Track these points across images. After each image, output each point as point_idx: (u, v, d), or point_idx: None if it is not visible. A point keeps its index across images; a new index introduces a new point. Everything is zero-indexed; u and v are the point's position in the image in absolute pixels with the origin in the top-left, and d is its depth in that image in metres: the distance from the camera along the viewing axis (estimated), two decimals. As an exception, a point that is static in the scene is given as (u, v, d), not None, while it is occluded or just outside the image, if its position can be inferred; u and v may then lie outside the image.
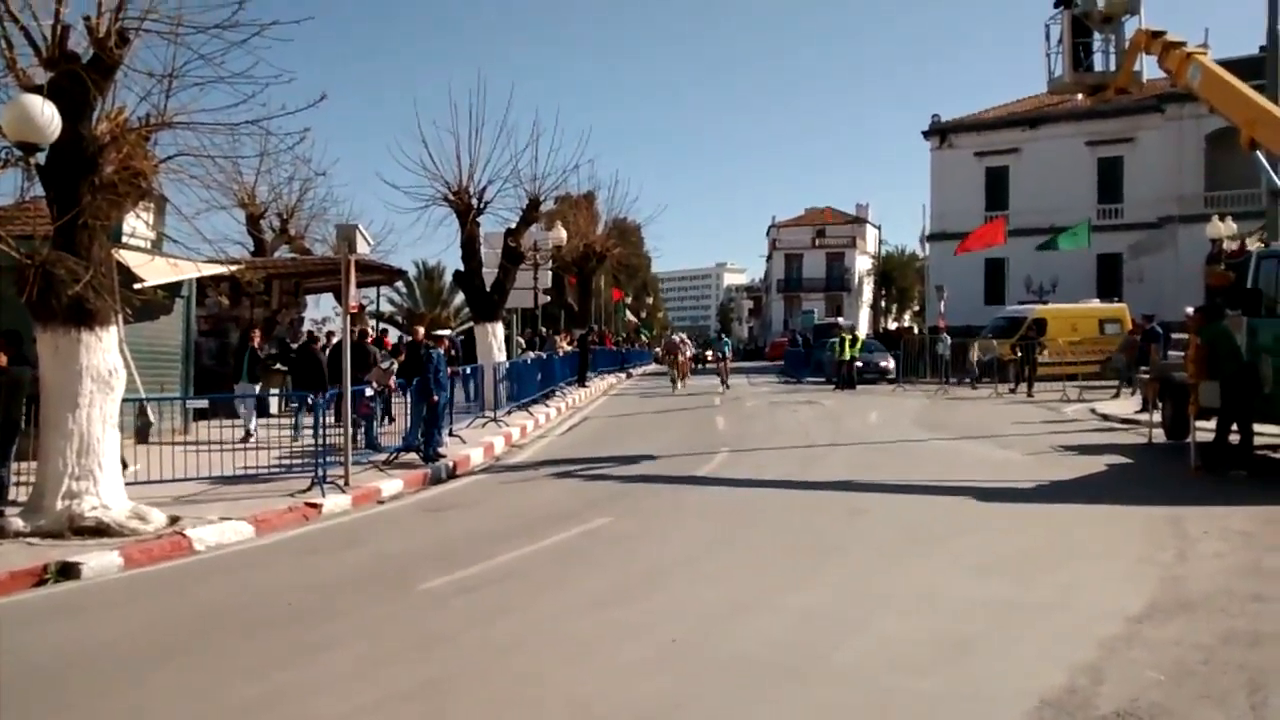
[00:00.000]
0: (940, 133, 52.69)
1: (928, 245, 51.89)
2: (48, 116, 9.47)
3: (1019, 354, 30.90)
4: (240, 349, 19.68)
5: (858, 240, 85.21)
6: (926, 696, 5.57)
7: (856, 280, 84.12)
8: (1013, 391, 29.95)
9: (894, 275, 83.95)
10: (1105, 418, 22.06)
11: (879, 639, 6.72)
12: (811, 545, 9.95)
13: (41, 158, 10.17)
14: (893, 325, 74.15)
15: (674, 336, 40.53)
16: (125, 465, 15.04)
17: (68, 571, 9.06)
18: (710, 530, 10.99)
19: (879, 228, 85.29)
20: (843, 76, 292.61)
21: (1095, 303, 38.16)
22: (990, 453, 16.72)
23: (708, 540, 10.47)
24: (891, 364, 36.69)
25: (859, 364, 34.42)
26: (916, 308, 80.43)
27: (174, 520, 10.82)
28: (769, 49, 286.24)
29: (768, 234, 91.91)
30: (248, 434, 17.24)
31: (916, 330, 53.51)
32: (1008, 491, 12.81)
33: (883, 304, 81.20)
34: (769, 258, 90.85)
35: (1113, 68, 19.70)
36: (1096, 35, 19.89)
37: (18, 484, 11.63)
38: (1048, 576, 8.46)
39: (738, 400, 29.88)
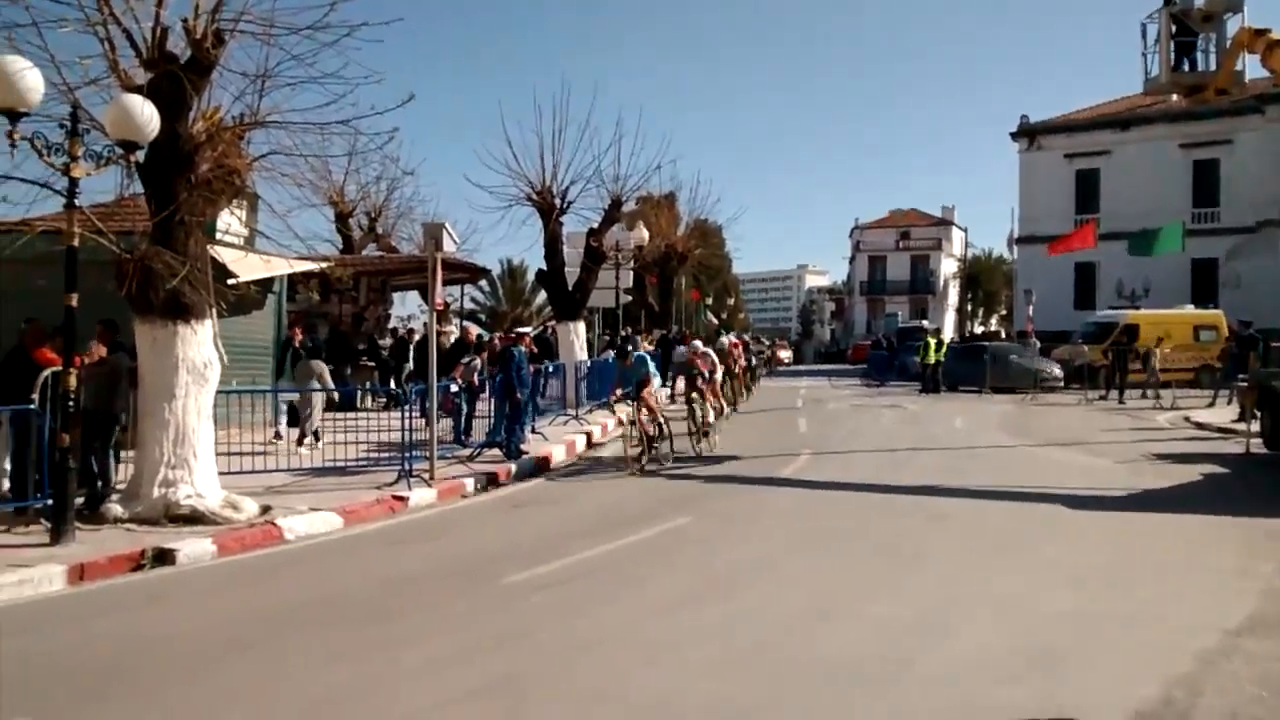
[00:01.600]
0: (1029, 134, 51.64)
1: (1015, 248, 50.86)
2: (147, 116, 9.72)
3: (1110, 359, 30.17)
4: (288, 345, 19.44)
5: (943, 243, 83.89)
6: (1015, 706, 5.41)
7: (942, 283, 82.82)
8: (1103, 398, 29.26)
9: (981, 279, 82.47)
10: (1200, 426, 21.45)
11: (964, 647, 6.60)
12: (895, 550, 9.82)
13: (141, 156, 10.44)
14: (979, 329, 72.82)
15: (692, 344, 22.27)
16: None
17: (163, 557, 9.33)
18: (792, 532, 10.91)
19: (965, 230, 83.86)
20: (928, 77, 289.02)
21: (1190, 308, 37.10)
22: (1080, 460, 16.35)
23: (789, 543, 10.40)
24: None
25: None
26: (1004, 312, 78.88)
27: (265, 510, 11.06)
28: (853, 50, 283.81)
29: (850, 236, 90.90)
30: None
31: (1004, 335, 52.47)
32: (1098, 499, 12.51)
33: (969, 308, 79.81)
34: (852, 260, 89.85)
35: (1212, 67, 19.14)
36: (1196, 34, 19.34)
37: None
38: (1140, 587, 8.25)
39: (820, 403, 29.64)
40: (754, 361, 33.39)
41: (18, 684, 6.19)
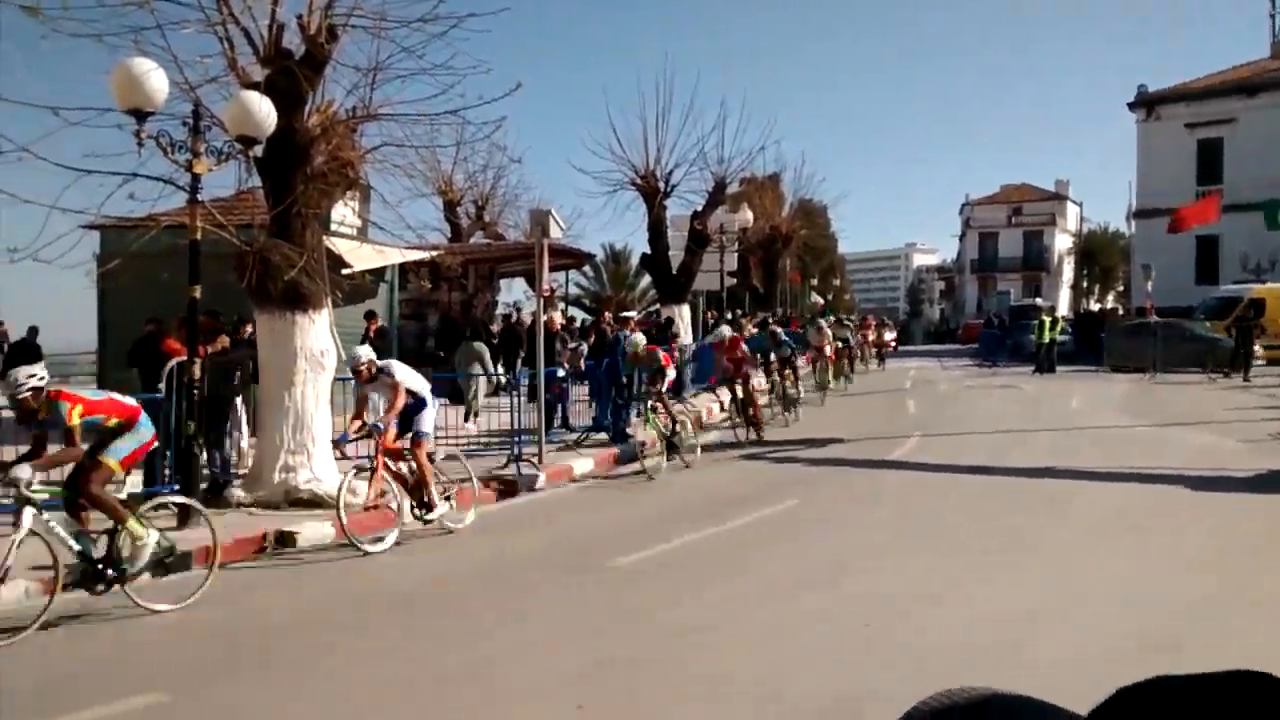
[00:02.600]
0: (1147, 104, 49.78)
1: (1133, 222, 49.16)
2: (265, 112, 10.02)
3: (1234, 336, 29.01)
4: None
5: (1057, 218, 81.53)
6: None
7: (1056, 260, 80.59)
8: (1226, 376, 28.18)
9: (1096, 254, 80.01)
10: (1332, 405, 20.53)
11: (1078, 633, 6.45)
12: (1007, 534, 9.63)
13: (259, 151, 10.77)
14: (1095, 306, 70.71)
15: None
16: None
17: (285, 540, 9.66)
18: (901, 516, 10.79)
19: (1080, 205, 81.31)
20: (1040, 49, 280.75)
21: (1321, 281, 35.44)
22: (1202, 440, 15.79)
23: (898, 526, 10.29)
24: None
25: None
26: (1121, 288, 76.38)
27: (381, 494, 11.33)
28: (961, 23, 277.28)
29: (960, 212, 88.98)
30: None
31: (1121, 311, 50.88)
32: (1222, 480, 12.08)
33: (1084, 284, 77.52)
34: (962, 237, 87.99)
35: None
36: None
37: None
38: (1268, 574, 7.95)
39: (930, 384, 29.16)
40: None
41: (153, 662, 6.50)
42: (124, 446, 7.76)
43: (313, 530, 9.93)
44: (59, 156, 9.78)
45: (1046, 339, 32.10)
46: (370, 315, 17.71)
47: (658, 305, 29.41)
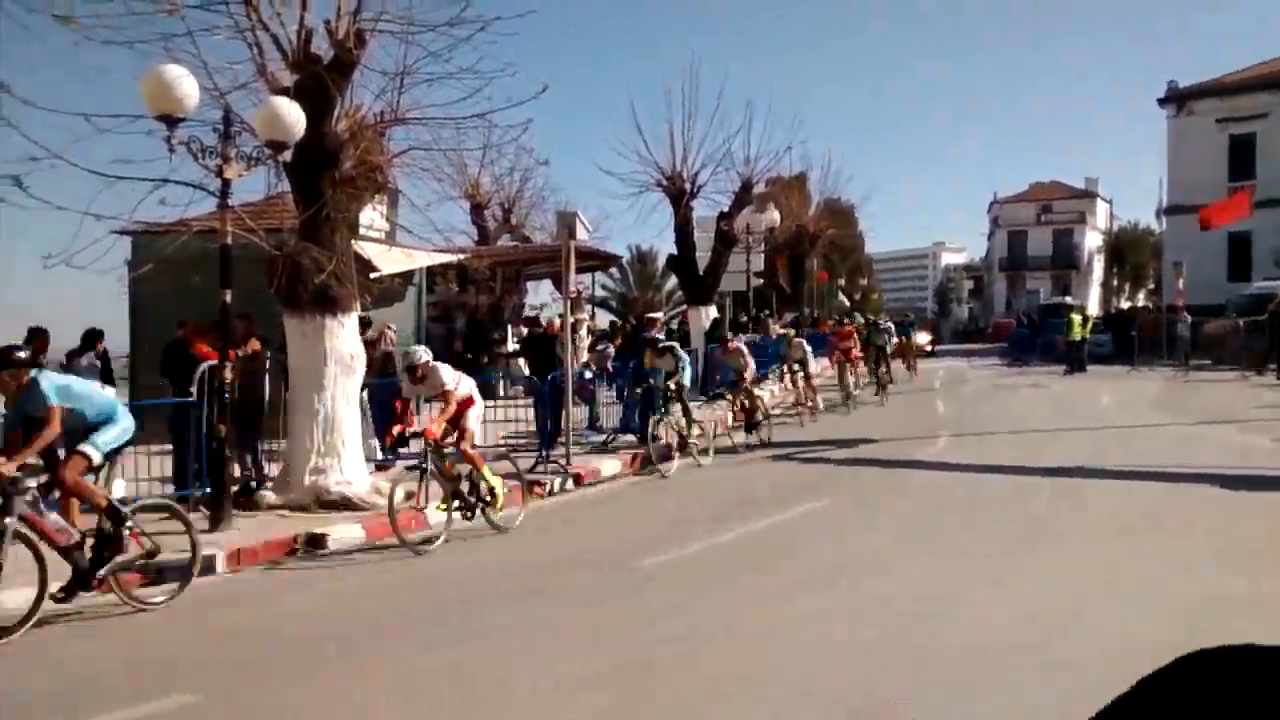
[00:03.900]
0: (1178, 100, 49.28)
1: (1164, 219, 48.67)
2: (294, 117, 10.09)
3: (1268, 333, 28.69)
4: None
5: (1087, 216, 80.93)
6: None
7: (1086, 258, 79.95)
8: (1259, 374, 27.88)
9: (1127, 252, 79.34)
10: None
11: (1105, 630, 6.38)
12: (1036, 533, 9.57)
13: (288, 156, 10.84)
14: (1125, 304, 70.08)
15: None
16: None
17: (315, 542, 9.72)
18: (931, 515, 10.74)
19: (1110, 202, 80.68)
20: (1068, 44, 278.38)
21: (1355, 278, 34.95)
22: (1235, 438, 15.64)
23: (929, 525, 10.24)
24: None
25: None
26: (1151, 286, 75.68)
27: (410, 495, 11.38)
28: (987, 18, 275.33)
29: (989, 211, 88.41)
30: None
31: (1152, 309, 50.39)
32: (1253, 479, 11.93)
33: (1114, 282, 76.87)
34: (990, 235, 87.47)
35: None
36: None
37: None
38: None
39: (959, 383, 29.00)
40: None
41: (183, 661, 6.56)
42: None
43: (344, 532, 9.98)
44: (91, 163, 9.90)
45: (1077, 337, 31.82)
46: (365, 323, 16.64)
47: (684, 307, 29.43)
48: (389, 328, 16.08)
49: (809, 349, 20.63)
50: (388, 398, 13.68)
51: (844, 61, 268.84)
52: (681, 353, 15.90)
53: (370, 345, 13.49)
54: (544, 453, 13.63)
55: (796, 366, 20.19)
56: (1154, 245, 66.90)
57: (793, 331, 22.27)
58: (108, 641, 7.08)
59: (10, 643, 6.67)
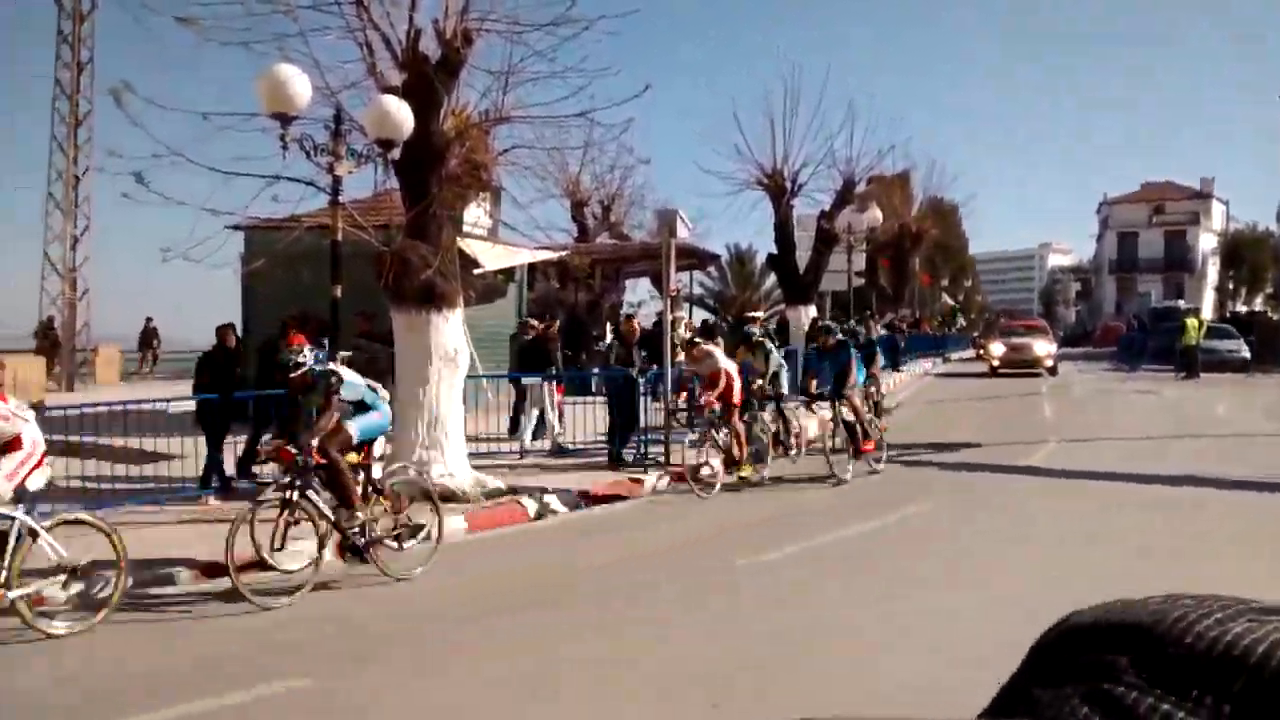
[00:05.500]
0: (1303, 95, 47.48)
1: (1285, 220, 46.87)
2: (403, 115, 10.27)
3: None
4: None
5: (1201, 217, 78.28)
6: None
7: (1200, 260, 77.33)
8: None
9: (1244, 255, 76.46)
10: None
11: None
12: (1145, 546, 9.21)
13: (396, 154, 11.04)
14: (1242, 309, 67.53)
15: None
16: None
17: (415, 534, 9.84)
18: (1035, 524, 10.49)
19: (1226, 203, 77.91)
20: (1183, 40, 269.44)
21: None
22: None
23: (1031, 534, 9.99)
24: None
25: None
26: (1270, 290, 72.87)
27: (511, 490, 11.52)
28: (1097, 16, 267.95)
29: (1098, 211, 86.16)
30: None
31: (1271, 314, 48.53)
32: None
33: (1230, 286, 74.17)
34: (1099, 237, 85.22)
35: None
36: None
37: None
38: None
39: (1066, 388, 28.24)
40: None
41: (287, 647, 6.72)
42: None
43: (448, 524, 10.06)
44: (208, 160, 10.23)
45: (1191, 341, 30.64)
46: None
47: (782, 306, 29.21)
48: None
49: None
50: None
51: (947, 59, 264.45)
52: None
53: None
54: (643, 450, 13.63)
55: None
56: (1274, 247, 64.46)
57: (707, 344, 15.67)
58: (236, 627, 7.30)
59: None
